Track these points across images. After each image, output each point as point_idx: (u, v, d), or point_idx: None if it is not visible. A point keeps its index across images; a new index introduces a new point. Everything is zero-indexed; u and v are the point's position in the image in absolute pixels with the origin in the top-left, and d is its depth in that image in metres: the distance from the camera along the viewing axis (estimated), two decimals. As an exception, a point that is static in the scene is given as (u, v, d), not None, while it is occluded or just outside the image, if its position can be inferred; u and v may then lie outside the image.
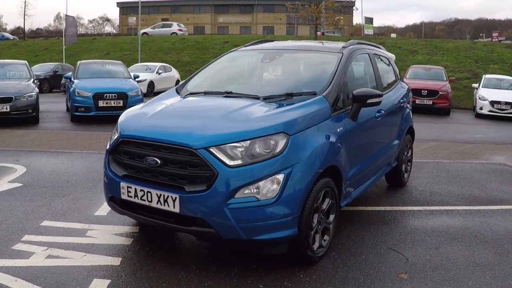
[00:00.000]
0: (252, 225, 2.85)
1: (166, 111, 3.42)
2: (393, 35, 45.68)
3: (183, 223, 2.94)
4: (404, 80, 14.76)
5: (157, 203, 2.98)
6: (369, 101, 3.68)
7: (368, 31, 42.20)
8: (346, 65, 3.92)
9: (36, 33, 62.50)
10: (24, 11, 38.77)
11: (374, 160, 4.31)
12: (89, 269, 3.11)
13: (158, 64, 19.55)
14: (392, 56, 5.53)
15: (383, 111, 4.39)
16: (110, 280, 2.97)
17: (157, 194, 2.97)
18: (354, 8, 40.64)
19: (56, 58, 27.30)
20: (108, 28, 78.54)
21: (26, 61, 11.24)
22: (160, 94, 4.04)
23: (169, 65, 20.71)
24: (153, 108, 3.49)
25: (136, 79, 12.05)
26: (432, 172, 6.25)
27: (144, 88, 16.18)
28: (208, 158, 2.83)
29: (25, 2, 38.59)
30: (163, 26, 36.91)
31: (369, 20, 44.89)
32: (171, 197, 2.90)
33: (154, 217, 3.06)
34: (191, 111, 3.44)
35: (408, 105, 5.48)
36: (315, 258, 3.25)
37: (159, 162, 2.98)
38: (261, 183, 2.85)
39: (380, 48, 5.34)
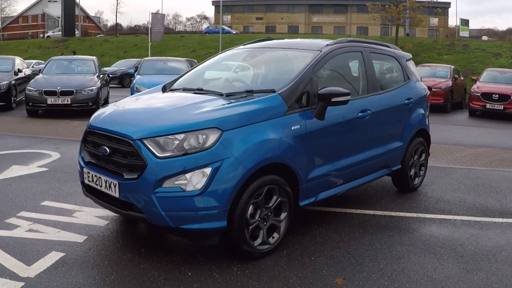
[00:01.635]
0: (178, 214, 3.00)
1: (131, 105, 3.70)
2: (485, 38, 42.11)
3: (123, 208, 3.20)
4: (477, 83, 13.82)
5: (105, 188, 3.27)
6: (334, 99, 3.59)
7: (464, 33, 39.64)
8: (320, 63, 3.86)
9: (135, 30, 67.73)
10: (116, 9, 42.79)
11: (357, 162, 4.16)
12: (54, 243, 3.50)
13: (236, 63, 20.20)
14: (404, 55, 5.23)
15: (370, 111, 4.22)
16: (64, 254, 3.32)
17: (105, 180, 3.26)
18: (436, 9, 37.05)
19: (144, 55, 29.28)
20: (205, 26, 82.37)
21: (94, 57, 12.41)
22: (145, 90, 4.35)
23: (248, 64, 21.24)
24: (123, 103, 3.80)
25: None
26: (457, 179, 5.79)
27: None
28: (141, 149, 3.04)
29: (117, 2, 42.59)
30: (59, 30, 43.98)
31: (465, 22, 42.13)
32: (113, 183, 3.17)
33: (106, 201, 3.36)
34: (150, 106, 3.67)
35: (420, 107, 5.13)
36: (256, 253, 3.29)
37: (108, 151, 3.27)
38: (188, 175, 2.98)
39: (389, 47, 5.10)
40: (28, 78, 11.85)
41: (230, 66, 4.60)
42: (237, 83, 4.17)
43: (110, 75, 15.97)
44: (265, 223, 3.34)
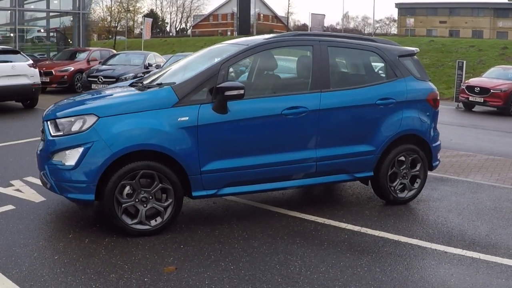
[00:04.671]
0: (60, 184, 3.55)
1: (78, 97, 4.37)
2: None
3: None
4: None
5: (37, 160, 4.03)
6: (227, 93, 3.57)
7: None
8: (235, 58, 3.88)
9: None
10: (288, 10, 45.94)
11: (283, 161, 3.92)
12: (17, 200, 4.37)
13: (379, 65, 19.39)
14: (395, 50, 4.55)
15: (306, 109, 3.94)
16: (15, 207, 4.16)
17: (36, 153, 4.01)
18: None
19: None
20: (393, 29, 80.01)
21: None
22: (115, 84, 4.99)
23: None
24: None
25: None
26: (477, 199, 4.76)
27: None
28: (45, 128, 3.71)
29: (288, 2, 45.75)
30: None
31: None
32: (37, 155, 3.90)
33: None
34: (89, 95, 4.28)
35: (410, 108, 4.40)
36: (130, 231, 3.55)
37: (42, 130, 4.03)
38: (67, 152, 3.51)
39: (375, 42, 4.58)
40: (157, 72, 13.90)
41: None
42: (168, 77, 4.38)
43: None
44: (144, 205, 3.58)
